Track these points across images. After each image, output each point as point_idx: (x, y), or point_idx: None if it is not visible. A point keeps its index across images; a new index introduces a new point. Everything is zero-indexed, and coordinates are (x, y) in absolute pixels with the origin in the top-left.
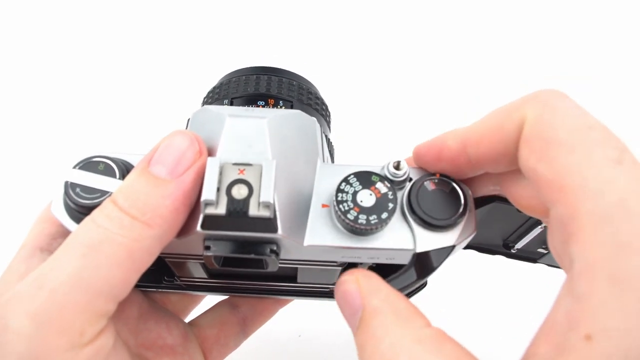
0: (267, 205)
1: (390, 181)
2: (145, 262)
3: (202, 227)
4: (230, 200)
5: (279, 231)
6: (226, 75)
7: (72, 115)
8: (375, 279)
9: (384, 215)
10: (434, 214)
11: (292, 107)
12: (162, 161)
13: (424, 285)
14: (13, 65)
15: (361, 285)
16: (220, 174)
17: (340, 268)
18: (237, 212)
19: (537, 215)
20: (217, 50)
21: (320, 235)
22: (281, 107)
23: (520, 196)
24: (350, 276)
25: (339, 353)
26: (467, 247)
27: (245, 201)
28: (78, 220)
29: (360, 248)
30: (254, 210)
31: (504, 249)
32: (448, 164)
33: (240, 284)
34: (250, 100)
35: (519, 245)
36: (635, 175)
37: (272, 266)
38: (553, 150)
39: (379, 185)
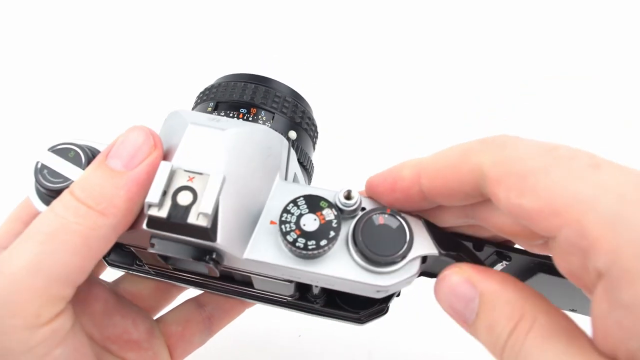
0: (206, 216)
1: (339, 209)
2: (101, 249)
3: (147, 225)
4: (174, 205)
5: (218, 240)
6: (221, 78)
7: (65, 109)
8: (476, 268)
9: (323, 242)
10: (375, 249)
11: (273, 119)
12: (118, 155)
13: (385, 311)
14: (17, 64)
15: (469, 274)
16: (171, 178)
17: (292, 284)
18: (177, 217)
19: (524, 240)
20: (224, 53)
21: (261, 251)
22: (262, 117)
23: (502, 224)
24: (452, 269)
25: (339, 353)
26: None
27: (187, 208)
28: (45, 201)
29: (298, 269)
30: (192, 219)
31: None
32: (402, 194)
33: (202, 280)
34: (234, 106)
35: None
36: (616, 170)
37: (214, 272)
38: (530, 180)
39: (327, 211)
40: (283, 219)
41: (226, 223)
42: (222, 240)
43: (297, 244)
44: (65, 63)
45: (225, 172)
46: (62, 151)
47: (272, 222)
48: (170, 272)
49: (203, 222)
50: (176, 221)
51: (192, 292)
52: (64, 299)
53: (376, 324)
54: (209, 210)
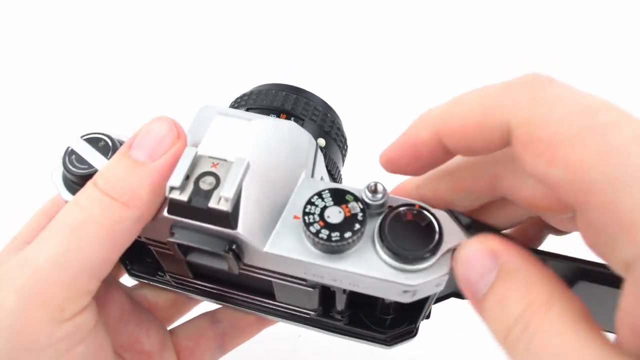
0: (227, 200)
1: (366, 204)
2: (126, 241)
3: (168, 211)
4: (195, 189)
5: (239, 228)
6: (257, 86)
7: (100, 109)
8: (501, 240)
9: (348, 234)
10: (403, 245)
11: (302, 125)
12: (141, 145)
13: (414, 333)
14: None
15: (492, 245)
16: (195, 164)
17: (316, 291)
18: (198, 201)
19: (554, 214)
20: (258, 61)
21: (283, 245)
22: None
23: (531, 197)
24: (476, 238)
25: (339, 353)
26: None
27: (209, 193)
28: (70, 189)
29: (321, 265)
30: (213, 203)
31: None
32: (428, 159)
33: (223, 291)
34: (264, 111)
35: None
36: None
37: (233, 268)
38: (561, 150)
39: (352, 204)
40: (307, 210)
41: (248, 211)
42: (243, 228)
43: (320, 235)
44: (111, 64)
45: (250, 159)
46: (93, 140)
47: (295, 217)
48: (190, 284)
49: (224, 207)
50: (197, 205)
51: (208, 305)
52: (89, 293)
53: None
54: (231, 194)
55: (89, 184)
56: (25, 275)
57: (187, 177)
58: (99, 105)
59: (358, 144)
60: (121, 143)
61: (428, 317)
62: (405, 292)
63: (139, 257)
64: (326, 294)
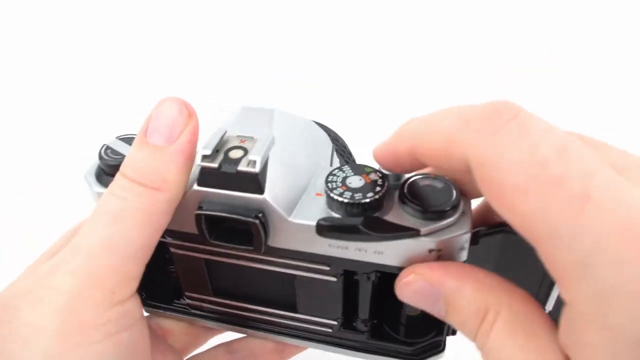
0: (255, 163)
1: (383, 174)
2: (162, 223)
3: (198, 183)
4: (225, 158)
5: (265, 194)
6: None
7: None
8: (432, 266)
9: (370, 194)
10: (426, 202)
11: None
12: (157, 130)
13: (442, 348)
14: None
15: (427, 277)
16: (224, 140)
17: (340, 282)
18: (228, 166)
19: None
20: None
21: (309, 215)
22: None
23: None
24: (408, 273)
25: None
26: None
27: (238, 160)
28: (103, 182)
29: (340, 218)
30: (242, 166)
31: None
32: (408, 166)
33: (243, 310)
34: None
35: (549, 305)
36: (606, 206)
37: (258, 241)
38: (509, 198)
39: (372, 175)
40: (329, 179)
41: (274, 181)
42: (270, 195)
43: (344, 196)
44: (111, 65)
45: (274, 137)
46: (127, 139)
47: (317, 194)
48: (208, 308)
49: (252, 168)
50: (227, 170)
51: (224, 337)
52: (135, 278)
53: None
54: (259, 157)
55: (118, 175)
56: (79, 259)
57: (217, 151)
58: (97, 105)
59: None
60: None
61: (454, 332)
62: (430, 251)
63: (155, 281)
64: (349, 293)
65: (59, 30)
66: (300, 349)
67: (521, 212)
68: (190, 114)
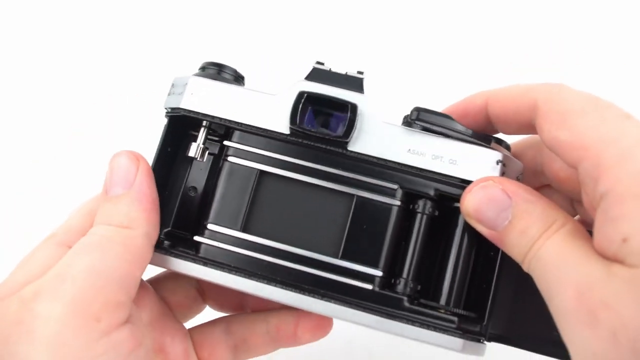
0: (361, 73)
1: None
2: (142, 256)
3: (307, 77)
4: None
5: (365, 94)
6: None
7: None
8: (508, 180)
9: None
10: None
11: None
12: (113, 183)
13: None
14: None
15: (504, 185)
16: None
17: (396, 219)
18: (337, 71)
19: (572, 188)
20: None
21: (393, 124)
22: None
23: (558, 170)
24: (485, 181)
25: (339, 353)
26: (518, 345)
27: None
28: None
29: (429, 134)
30: (351, 73)
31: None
32: (472, 118)
33: (269, 258)
34: None
35: None
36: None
37: (349, 128)
38: (569, 118)
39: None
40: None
41: (371, 95)
42: (368, 96)
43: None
44: (106, 61)
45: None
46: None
47: None
48: (226, 254)
49: (360, 75)
50: (337, 72)
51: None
52: (121, 306)
53: None
54: (363, 71)
55: (95, 224)
56: (65, 286)
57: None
58: (97, 105)
59: None
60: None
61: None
62: (498, 162)
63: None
64: (400, 239)
65: (57, 30)
66: (295, 341)
67: (580, 127)
68: (137, 158)
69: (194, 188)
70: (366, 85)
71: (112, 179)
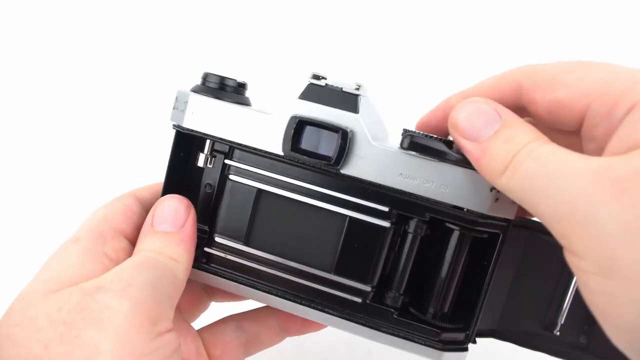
0: (358, 88)
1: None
2: (181, 282)
3: (301, 96)
4: (331, 84)
5: (359, 114)
6: None
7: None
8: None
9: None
10: None
11: None
12: (163, 220)
13: (465, 348)
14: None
15: (497, 106)
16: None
17: (387, 239)
18: (333, 87)
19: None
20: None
21: (387, 145)
22: None
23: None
24: (480, 98)
25: (339, 353)
26: (506, 338)
27: (341, 88)
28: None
29: (420, 158)
30: (348, 88)
31: (547, 331)
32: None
33: (270, 270)
34: None
35: (561, 319)
36: (623, 66)
37: (340, 154)
38: (559, 78)
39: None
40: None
41: (365, 113)
42: (363, 117)
43: (416, 133)
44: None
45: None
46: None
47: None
48: (231, 265)
49: (355, 91)
50: (332, 88)
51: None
52: (169, 318)
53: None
54: (358, 86)
55: (149, 252)
56: (131, 288)
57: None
58: (98, 104)
59: None
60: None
61: (474, 341)
62: (491, 189)
63: None
64: (390, 257)
65: (58, 30)
66: (305, 329)
67: (573, 80)
68: (188, 205)
69: (210, 185)
70: (362, 102)
71: (162, 215)
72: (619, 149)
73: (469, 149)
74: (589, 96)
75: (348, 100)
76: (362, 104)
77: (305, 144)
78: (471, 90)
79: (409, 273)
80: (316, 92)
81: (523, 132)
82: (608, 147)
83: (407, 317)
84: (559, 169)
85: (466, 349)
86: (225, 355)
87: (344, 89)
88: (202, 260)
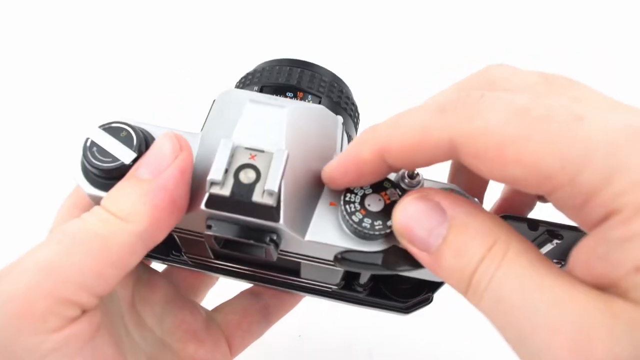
0: (271, 194)
1: (403, 190)
2: (124, 257)
3: (206, 205)
4: (237, 183)
5: (281, 221)
6: (262, 63)
7: (105, 89)
8: (441, 191)
9: (389, 222)
10: None
11: (319, 103)
12: (147, 164)
13: (430, 300)
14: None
15: (438, 198)
16: (232, 156)
17: (340, 271)
18: (241, 195)
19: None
20: (258, 39)
21: (323, 233)
22: (309, 101)
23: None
24: (416, 193)
25: (339, 353)
26: None
27: (251, 186)
28: (92, 181)
29: (361, 252)
30: (257, 197)
31: None
32: (371, 177)
33: (244, 270)
34: (279, 90)
35: None
36: (601, 116)
37: (271, 255)
38: (510, 150)
39: (390, 191)
40: (347, 199)
41: (289, 203)
42: (285, 221)
43: (364, 225)
44: (109, 46)
45: (288, 149)
46: (113, 130)
47: (331, 204)
48: (210, 263)
49: (269, 201)
50: (240, 199)
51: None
52: (76, 305)
53: (376, 323)
54: (275, 187)
55: (95, 206)
56: (10, 278)
57: (225, 171)
58: (96, 93)
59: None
60: (143, 132)
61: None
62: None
63: None
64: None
65: (60, 31)
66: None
67: (528, 157)
68: (180, 147)
69: None
70: (283, 199)
71: (147, 159)
72: (593, 268)
73: (422, 259)
74: (550, 180)
75: (264, 211)
76: (282, 200)
77: (230, 242)
78: (386, 138)
79: (371, 276)
80: (223, 203)
81: (473, 239)
82: (581, 251)
83: (375, 295)
84: (527, 323)
85: (430, 302)
86: (244, 320)
87: (254, 200)
88: (177, 255)
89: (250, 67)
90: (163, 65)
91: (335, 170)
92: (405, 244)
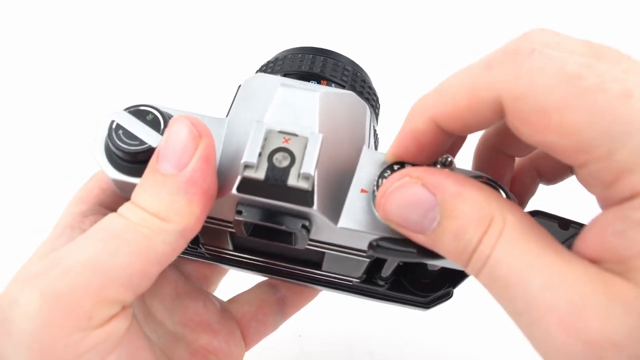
0: (307, 177)
1: None
2: (167, 255)
3: (238, 190)
4: (271, 167)
5: (315, 206)
6: (283, 51)
7: (113, 83)
8: (429, 170)
9: None
10: None
11: None
12: (166, 157)
13: (450, 295)
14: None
15: (424, 180)
16: (265, 139)
17: (367, 260)
18: (276, 179)
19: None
20: (277, 27)
21: (355, 220)
22: None
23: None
24: (401, 176)
25: (340, 353)
26: None
27: (286, 170)
28: (116, 165)
29: (399, 239)
30: (293, 181)
31: None
32: (433, 146)
33: (262, 262)
34: (303, 78)
35: None
36: None
37: (301, 243)
38: (554, 117)
39: None
40: (380, 184)
41: (322, 188)
42: (319, 206)
43: None
44: (132, 37)
45: (321, 134)
46: (139, 113)
47: (362, 191)
48: (228, 256)
49: (304, 184)
50: (275, 182)
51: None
52: (120, 303)
53: (376, 323)
54: (311, 171)
55: (128, 202)
56: (53, 276)
57: (259, 154)
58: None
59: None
60: (170, 116)
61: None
62: None
63: None
64: (375, 262)
65: (62, 32)
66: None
67: (571, 127)
68: (200, 134)
69: None
70: (317, 183)
71: (165, 151)
72: (606, 245)
73: (419, 241)
74: (584, 154)
75: (299, 195)
76: (316, 185)
77: (259, 228)
78: (435, 104)
79: (394, 269)
80: (257, 187)
81: (468, 222)
82: (595, 228)
83: (396, 289)
84: (523, 301)
85: (450, 296)
86: (260, 311)
87: (289, 184)
88: (194, 248)
89: (264, 56)
90: (180, 54)
91: (396, 148)
92: (396, 228)
